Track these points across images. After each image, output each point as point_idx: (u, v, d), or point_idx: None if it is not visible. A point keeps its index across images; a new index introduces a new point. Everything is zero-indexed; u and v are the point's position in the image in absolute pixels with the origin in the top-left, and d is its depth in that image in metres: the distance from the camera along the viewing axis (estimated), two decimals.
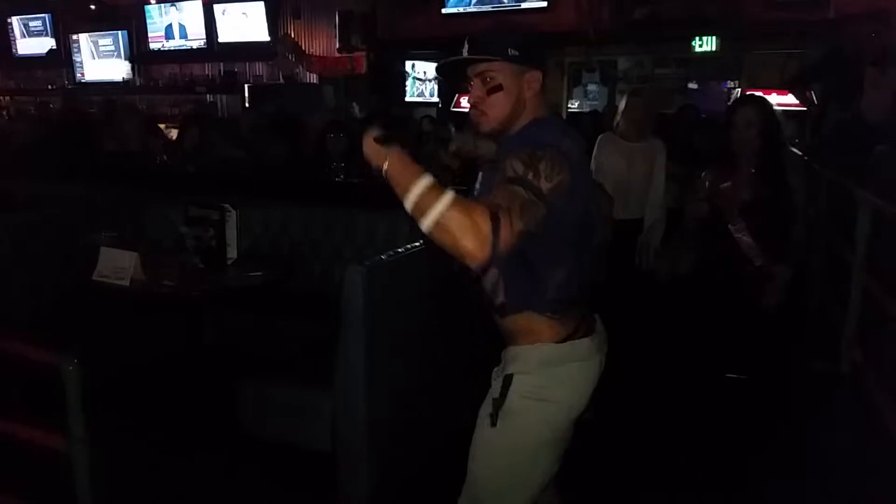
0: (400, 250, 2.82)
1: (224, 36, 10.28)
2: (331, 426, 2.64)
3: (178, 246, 3.40)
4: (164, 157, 5.66)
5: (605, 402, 1.90)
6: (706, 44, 7.65)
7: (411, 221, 1.44)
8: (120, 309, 3.33)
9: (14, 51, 12.49)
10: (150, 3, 10.76)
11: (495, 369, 1.88)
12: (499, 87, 1.70)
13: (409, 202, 1.43)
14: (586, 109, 9.05)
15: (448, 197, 1.39)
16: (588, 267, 1.79)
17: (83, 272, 3.14)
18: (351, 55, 9.36)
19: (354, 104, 9.37)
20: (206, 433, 3.16)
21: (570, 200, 1.60)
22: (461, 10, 8.75)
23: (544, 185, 1.52)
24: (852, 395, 3.39)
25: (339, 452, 2.61)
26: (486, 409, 1.81)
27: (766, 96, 3.83)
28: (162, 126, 8.36)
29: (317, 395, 2.75)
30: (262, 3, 9.79)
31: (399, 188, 1.46)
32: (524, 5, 8.36)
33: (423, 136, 6.80)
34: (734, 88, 8.31)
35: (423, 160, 1.57)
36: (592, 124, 5.69)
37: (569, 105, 9.55)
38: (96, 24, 11.49)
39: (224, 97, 10.56)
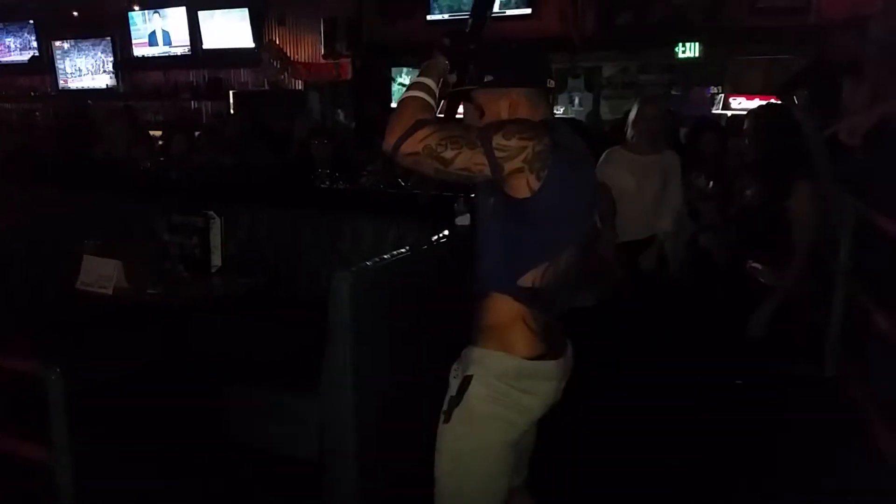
0: (386, 256, 2.82)
1: (208, 42, 10.24)
2: (317, 434, 2.63)
3: (162, 253, 3.38)
4: (149, 164, 5.62)
5: (593, 409, 1.90)
6: (689, 50, 7.72)
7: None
8: (103, 317, 3.30)
9: None
10: (133, 10, 10.71)
11: (454, 366, 1.87)
12: (483, 113, 1.82)
13: (408, 84, 1.79)
14: (571, 116, 9.07)
15: (415, 93, 1.72)
16: (571, 285, 1.79)
17: (66, 280, 3.11)
18: (336, 61, 9.36)
19: (339, 110, 9.37)
20: (192, 441, 3.13)
21: (546, 190, 1.64)
22: (446, 16, 8.76)
23: (497, 139, 1.62)
24: (836, 399, 3.41)
25: (325, 460, 2.60)
26: (443, 406, 1.82)
27: (775, 103, 3.85)
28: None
29: (303, 403, 2.74)
30: (247, 9, 9.77)
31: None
32: (508, 12, 8.37)
33: None
34: (717, 94, 8.38)
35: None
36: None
37: (554, 112, 9.57)
38: (79, 31, 11.42)
39: (209, 104, 10.52)
